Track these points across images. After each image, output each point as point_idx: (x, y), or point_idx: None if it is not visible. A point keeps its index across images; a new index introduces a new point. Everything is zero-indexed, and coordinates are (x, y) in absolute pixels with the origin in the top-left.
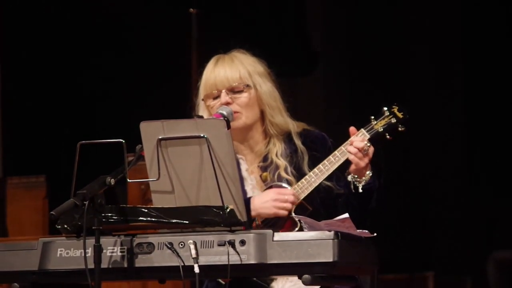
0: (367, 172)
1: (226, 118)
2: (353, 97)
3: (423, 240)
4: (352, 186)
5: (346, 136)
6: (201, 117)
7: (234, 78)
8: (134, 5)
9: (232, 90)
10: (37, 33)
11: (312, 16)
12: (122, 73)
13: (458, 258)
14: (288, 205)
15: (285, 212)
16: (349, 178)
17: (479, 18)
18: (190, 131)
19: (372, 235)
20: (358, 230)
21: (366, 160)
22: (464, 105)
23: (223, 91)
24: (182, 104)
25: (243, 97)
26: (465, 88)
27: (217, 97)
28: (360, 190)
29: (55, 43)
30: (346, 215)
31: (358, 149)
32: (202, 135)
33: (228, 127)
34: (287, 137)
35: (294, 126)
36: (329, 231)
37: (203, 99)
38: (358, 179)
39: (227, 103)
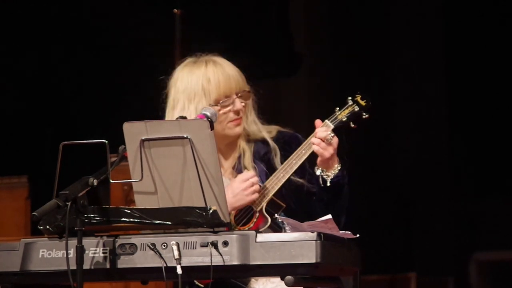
0: (336, 165)
1: (209, 119)
2: (336, 98)
3: (406, 241)
4: (321, 180)
5: None
6: (184, 118)
7: (244, 83)
8: (118, 5)
9: (240, 96)
10: (19, 32)
11: (295, 17)
12: (106, 73)
13: (440, 259)
14: (257, 187)
15: (257, 195)
16: (318, 172)
17: (462, 17)
18: (173, 131)
19: (355, 236)
20: (341, 231)
21: (331, 150)
22: (447, 106)
23: (235, 95)
24: (165, 105)
25: (248, 103)
26: (449, 89)
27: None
28: (328, 184)
29: (37, 42)
30: (329, 216)
31: (320, 139)
32: (185, 135)
33: (212, 128)
34: (261, 141)
35: (266, 133)
36: (312, 232)
37: (211, 104)
38: (327, 173)
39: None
